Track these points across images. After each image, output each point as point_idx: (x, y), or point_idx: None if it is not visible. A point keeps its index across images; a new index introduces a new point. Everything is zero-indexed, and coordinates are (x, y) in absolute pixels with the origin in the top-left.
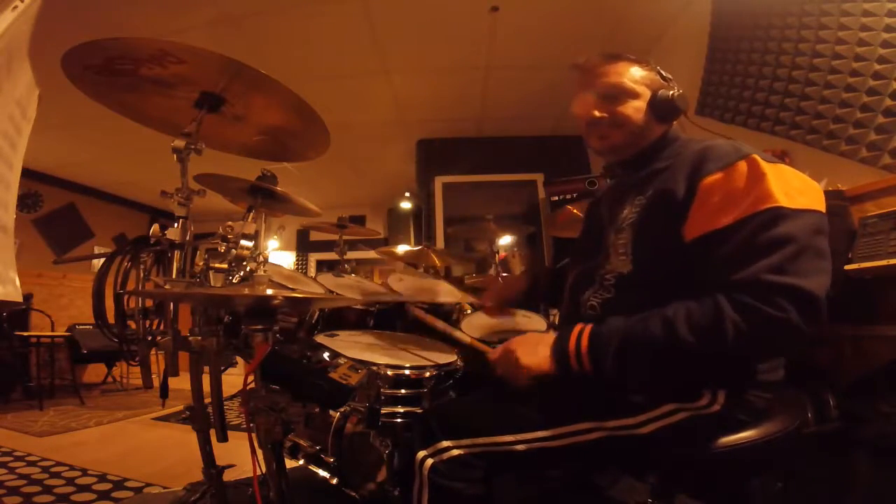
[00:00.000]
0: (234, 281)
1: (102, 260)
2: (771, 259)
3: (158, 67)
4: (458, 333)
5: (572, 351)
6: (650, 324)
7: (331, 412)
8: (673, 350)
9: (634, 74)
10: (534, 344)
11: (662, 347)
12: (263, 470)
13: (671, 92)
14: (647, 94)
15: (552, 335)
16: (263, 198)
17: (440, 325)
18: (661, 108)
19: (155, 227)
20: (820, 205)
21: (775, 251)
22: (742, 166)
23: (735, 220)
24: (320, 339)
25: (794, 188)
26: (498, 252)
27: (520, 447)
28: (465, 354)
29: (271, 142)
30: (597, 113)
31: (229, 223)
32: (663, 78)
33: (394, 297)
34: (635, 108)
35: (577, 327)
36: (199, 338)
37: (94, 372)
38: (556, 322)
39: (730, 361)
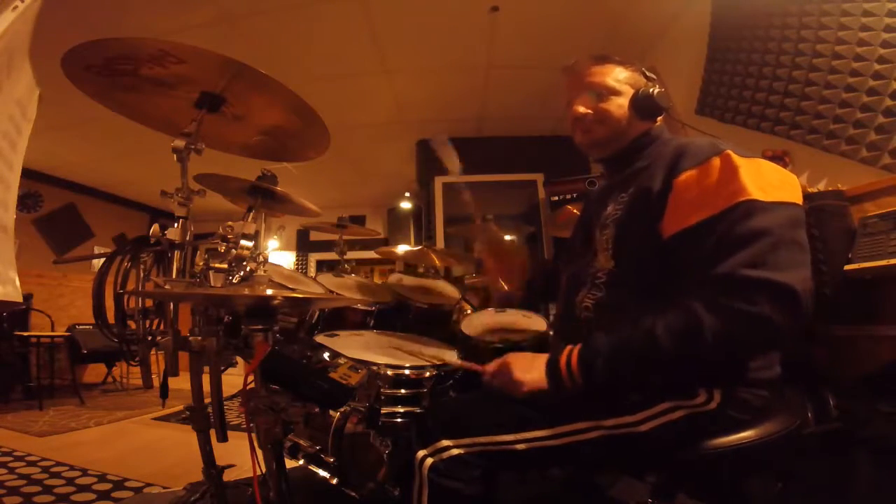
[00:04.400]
0: (234, 281)
1: (102, 260)
2: (744, 254)
3: (158, 67)
4: (447, 357)
5: (563, 370)
6: (633, 338)
7: (331, 412)
8: (658, 358)
9: (618, 75)
10: (529, 360)
11: (648, 358)
12: (263, 470)
13: (651, 90)
14: (629, 92)
15: (545, 355)
16: (263, 198)
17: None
18: (642, 106)
19: (155, 227)
20: (797, 197)
21: (749, 245)
22: (716, 162)
23: (710, 215)
24: (320, 339)
25: (769, 182)
26: None
27: (520, 446)
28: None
29: (271, 142)
30: (581, 109)
31: (229, 223)
32: (647, 78)
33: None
34: (618, 105)
35: (567, 349)
36: (199, 338)
37: (94, 372)
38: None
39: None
